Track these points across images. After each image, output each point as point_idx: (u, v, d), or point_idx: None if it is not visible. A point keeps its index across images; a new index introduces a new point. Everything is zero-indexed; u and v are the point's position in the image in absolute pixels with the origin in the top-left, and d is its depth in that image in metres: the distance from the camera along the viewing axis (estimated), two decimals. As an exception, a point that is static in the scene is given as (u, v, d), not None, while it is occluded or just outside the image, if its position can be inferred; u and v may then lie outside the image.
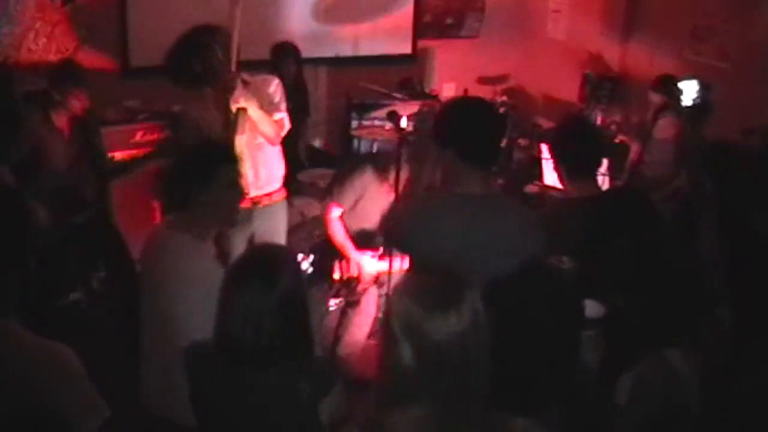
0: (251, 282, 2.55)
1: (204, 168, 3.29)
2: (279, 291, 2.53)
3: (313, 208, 5.96)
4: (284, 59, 6.74)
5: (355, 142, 7.59)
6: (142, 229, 3.71)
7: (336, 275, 5.00)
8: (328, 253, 5.09)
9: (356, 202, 4.98)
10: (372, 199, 4.92)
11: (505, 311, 2.62)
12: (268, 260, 2.64)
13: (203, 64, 4.43)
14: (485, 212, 3.11)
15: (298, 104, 6.71)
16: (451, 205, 3.21)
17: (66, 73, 5.03)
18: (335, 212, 5.03)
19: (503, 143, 3.32)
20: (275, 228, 4.82)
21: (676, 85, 5.78)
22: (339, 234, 5.01)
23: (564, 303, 2.95)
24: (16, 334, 2.42)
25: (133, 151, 6.14)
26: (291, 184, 6.22)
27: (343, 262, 5.00)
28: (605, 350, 3.16)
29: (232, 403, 2.60)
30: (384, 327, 2.15)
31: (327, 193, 5.17)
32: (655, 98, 5.74)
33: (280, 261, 2.65)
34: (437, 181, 3.58)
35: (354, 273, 4.99)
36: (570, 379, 2.90)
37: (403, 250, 3.63)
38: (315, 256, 5.10)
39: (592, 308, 3.17)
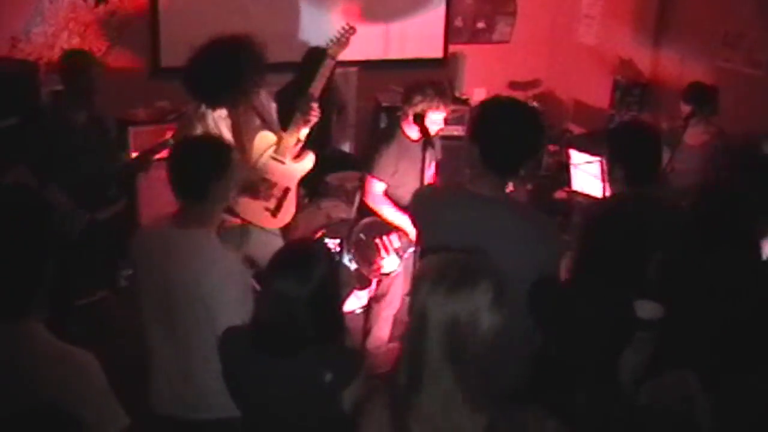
0: (287, 274, 2.68)
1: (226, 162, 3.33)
2: (313, 284, 2.65)
3: (339, 211, 5.97)
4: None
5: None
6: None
7: (383, 253, 5.01)
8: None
9: (396, 168, 4.93)
10: (410, 160, 4.81)
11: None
12: (304, 254, 2.78)
13: (231, 84, 4.31)
14: (486, 214, 3.11)
15: (327, 107, 6.71)
16: (454, 199, 3.27)
17: (72, 68, 4.99)
18: (378, 187, 4.97)
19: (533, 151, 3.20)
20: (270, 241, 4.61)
21: (705, 92, 5.74)
22: (388, 210, 4.96)
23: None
24: (37, 337, 2.40)
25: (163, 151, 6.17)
26: (318, 185, 6.25)
27: (384, 238, 4.99)
28: (651, 354, 3.08)
29: (259, 387, 2.74)
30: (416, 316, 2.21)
31: (364, 167, 5.09)
32: (686, 109, 5.70)
33: (316, 255, 2.77)
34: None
35: (396, 245, 4.99)
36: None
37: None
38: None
39: (647, 309, 3.09)
